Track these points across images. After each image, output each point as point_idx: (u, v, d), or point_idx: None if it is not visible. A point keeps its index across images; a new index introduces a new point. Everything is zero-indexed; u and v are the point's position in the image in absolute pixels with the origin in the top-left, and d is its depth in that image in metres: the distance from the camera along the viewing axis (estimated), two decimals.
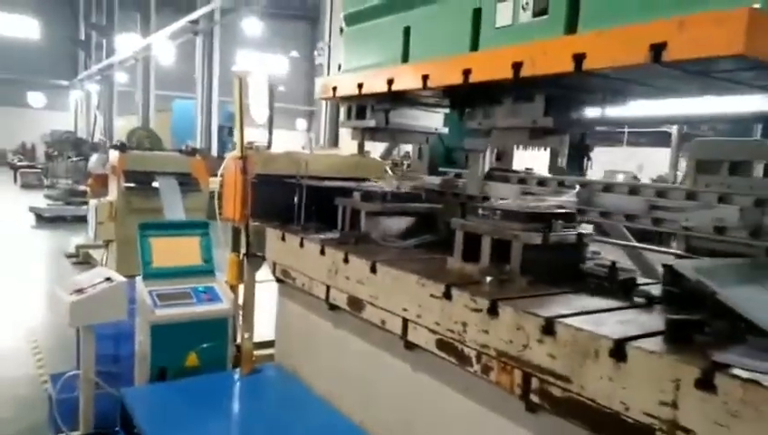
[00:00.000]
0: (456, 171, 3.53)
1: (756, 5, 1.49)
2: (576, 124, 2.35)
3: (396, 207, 3.15)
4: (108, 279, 3.09)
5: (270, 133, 3.60)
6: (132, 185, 7.01)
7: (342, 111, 3.23)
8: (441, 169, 3.68)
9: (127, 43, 23.44)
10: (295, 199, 3.40)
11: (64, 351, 5.12)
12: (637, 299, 2.00)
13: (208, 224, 3.77)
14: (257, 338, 3.73)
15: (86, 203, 12.16)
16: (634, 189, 2.51)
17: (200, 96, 17.98)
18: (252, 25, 20.16)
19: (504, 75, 2.08)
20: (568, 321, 1.73)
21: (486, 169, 3.20)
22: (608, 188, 2.63)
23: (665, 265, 2.02)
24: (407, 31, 2.75)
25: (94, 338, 3.18)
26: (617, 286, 2.17)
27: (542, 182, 2.96)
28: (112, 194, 7.16)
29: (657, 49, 1.59)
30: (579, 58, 1.82)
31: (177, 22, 17.84)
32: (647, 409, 1.48)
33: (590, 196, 2.64)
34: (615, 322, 1.74)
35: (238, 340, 3.62)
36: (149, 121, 20.16)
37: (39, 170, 24.38)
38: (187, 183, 7.06)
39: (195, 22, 17.48)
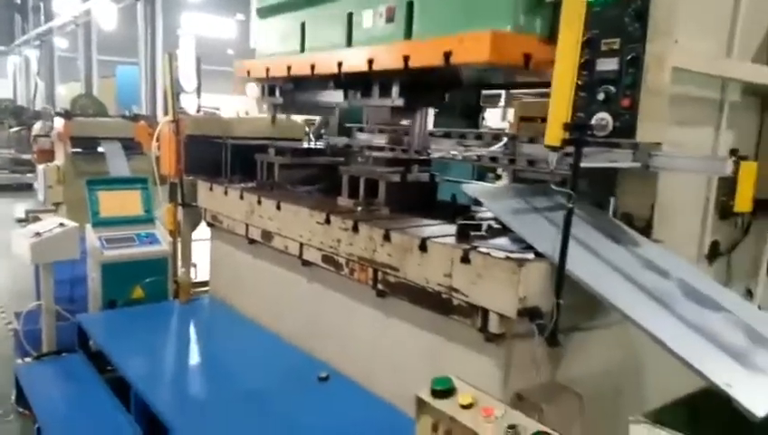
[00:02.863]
0: (358, 126, 4.18)
1: (507, 27, 2.21)
2: (424, 102, 3.04)
3: (303, 160, 3.84)
4: (61, 224, 3.69)
5: (198, 98, 4.18)
6: (78, 150, 7.43)
7: (258, 89, 3.85)
8: (347, 124, 4.33)
9: (66, 6, 22.82)
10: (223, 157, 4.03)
11: (21, 299, 5.66)
12: (460, 218, 2.74)
13: (147, 179, 4.36)
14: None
15: (32, 171, 12.34)
16: (479, 136, 3.23)
17: (143, 62, 17.92)
18: None
19: (362, 68, 2.77)
20: (400, 231, 2.46)
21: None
22: (462, 135, 3.33)
23: None
24: (303, 26, 3.38)
25: (52, 274, 3.78)
26: (453, 212, 2.92)
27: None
28: (59, 159, 7.56)
29: (447, 55, 2.30)
30: (406, 59, 2.52)
31: None
32: (438, 280, 2.24)
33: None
34: (431, 230, 2.49)
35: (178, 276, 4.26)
36: (93, 88, 20.00)
37: None
38: (131, 147, 7.50)
39: None
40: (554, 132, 1.73)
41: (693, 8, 2.26)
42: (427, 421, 1.84)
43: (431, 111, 3.63)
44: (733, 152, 2.89)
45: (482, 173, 6.55)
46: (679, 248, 2.68)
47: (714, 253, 2.96)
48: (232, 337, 3.53)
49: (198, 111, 4.26)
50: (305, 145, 4.35)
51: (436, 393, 1.81)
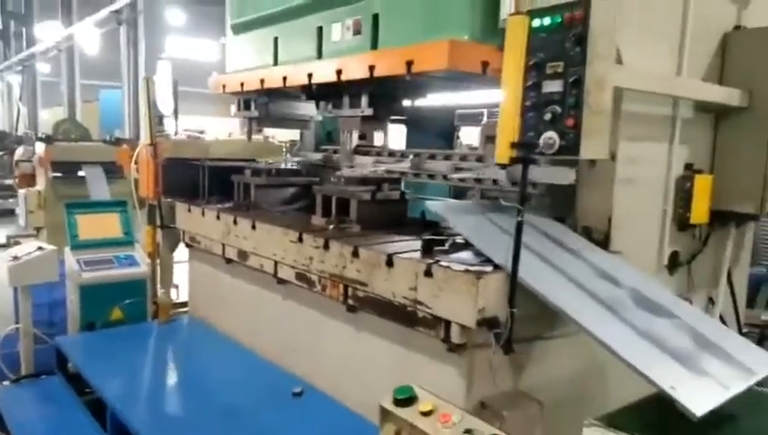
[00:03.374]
0: (333, 148, 4.30)
1: (465, 37, 2.34)
2: (393, 112, 3.17)
3: (279, 180, 3.92)
4: (40, 248, 3.73)
5: (176, 121, 4.27)
6: (59, 175, 7.45)
7: (234, 104, 3.96)
8: (323, 147, 4.46)
9: (48, 31, 22.90)
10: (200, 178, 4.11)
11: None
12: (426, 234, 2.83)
13: (126, 202, 4.42)
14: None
15: (14, 196, 12.28)
16: (447, 156, 3.35)
17: (126, 86, 17.96)
18: (175, 15, 20.20)
19: (331, 79, 2.88)
20: (368, 247, 2.55)
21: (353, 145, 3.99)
22: (432, 156, 3.46)
23: None
24: (275, 41, 3.50)
25: (30, 297, 3.81)
26: (423, 228, 3.02)
27: (391, 153, 3.76)
28: (41, 184, 7.58)
29: (409, 64, 2.42)
30: (371, 68, 2.64)
31: (99, 12, 17.76)
32: (403, 294, 2.33)
33: (419, 162, 3.46)
34: (398, 246, 2.58)
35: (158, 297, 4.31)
36: (76, 113, 20.00)
37: None
38: (113, 171, 7.54)
39: (118, 11, 17.47)
40: (503, 151, 1.84)
41: (642, 30, 2.41)
42: (390, 429, 1.92)
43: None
44: (688, 166, 3.04)
45: (460, 192, 6.68)
46: (639, 259, 2.79)
47: (674, 263, 3.07)
48: (210, 355, 3.58)
49: (176, 133, 4.35)
50: (282, 165, 4.45)
51: (398, 402, 1.89)
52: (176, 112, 4.22)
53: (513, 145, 1.82)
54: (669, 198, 2.95)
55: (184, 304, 4.66)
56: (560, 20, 1.84)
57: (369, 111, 3.02)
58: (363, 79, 2.76)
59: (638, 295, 2.18)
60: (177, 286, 4.80)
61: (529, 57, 1.92)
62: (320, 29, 3.13)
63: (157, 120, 4.53)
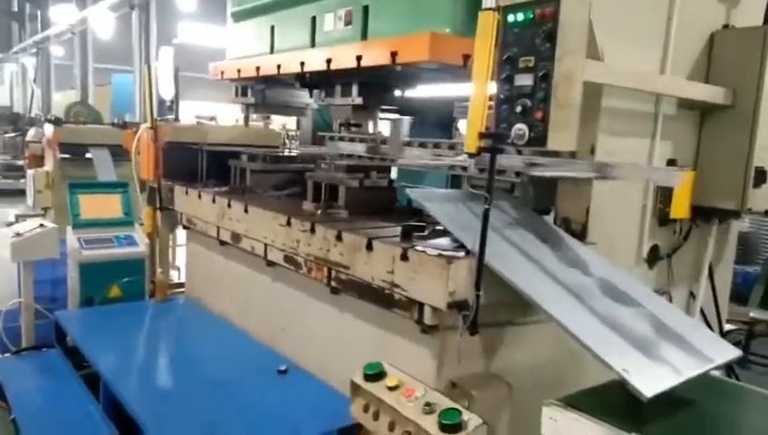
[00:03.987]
0: (330, 135, 4.39)
1: (447, 30, 2.42)
2: (383, 102, 3.25)
3: (274, 166, 4.02)
4: (41, 225, 3.87)
5: (177, 106, 4.37)
6: (67, 156, 7.60)
7: (232, 89, 4.06)
8: (320, 133, 4.55)
9: (62, 14, 23.09)
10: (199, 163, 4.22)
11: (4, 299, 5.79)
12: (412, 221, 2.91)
13: (128, 183, 4.54)
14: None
15: (25, 176, 12.49)
16: (436, 144, 3.42)
17: (138, 71, 18.11)
18: (186, 1, 20.34)
19: (322, 67, 2.97)
20: (351, 231, 2.64)
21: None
22: (422, 145, 3.52)
23: None
24: (272, 29, 3.59)
25: (31, 272, 3.95)
26: (409, 215, 3.10)
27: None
28: (49, 165, 7.73)
29: (393, 55, 2.50)
30: (359, 58, 2.72)
31: None
32: (381, 277, 2.42)
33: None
34: (380, 231, 2.67)
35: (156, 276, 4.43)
36: (89, 96, 20.20)
37: None
38: (119, 154, 7.66)
39: None
40: (472, 141, 1.92)
41: (627, 26, 2.48)
42: (360, 403, 2.02)
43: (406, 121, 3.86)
44: (670, 162, 3.10)
45: (457, 183, 6.74)
46: (618, 251, 2.87)
47: (653, 257, 3.14)
48: (201, 334, 3.70)
49: (176, 119, 4.45)
50: (279, 151, 4.55)
51: (368, 377, 1.99)
52: (176, 98, 4.32)
53: (482, 135, 1.91)
54: (649, 193, 3.02)
55: (183, 285, 4.79)
56: (531, 16, 1.91)
57: (358, 100, 3.10)
58: (352, 68, 2.84)
59: (607, 285, 2.26)
60: (178, 268, 4.92)
61: (503, 51, 1.99)
62: (313, 19, 3.21)
63: (167, 105, 4.62)
